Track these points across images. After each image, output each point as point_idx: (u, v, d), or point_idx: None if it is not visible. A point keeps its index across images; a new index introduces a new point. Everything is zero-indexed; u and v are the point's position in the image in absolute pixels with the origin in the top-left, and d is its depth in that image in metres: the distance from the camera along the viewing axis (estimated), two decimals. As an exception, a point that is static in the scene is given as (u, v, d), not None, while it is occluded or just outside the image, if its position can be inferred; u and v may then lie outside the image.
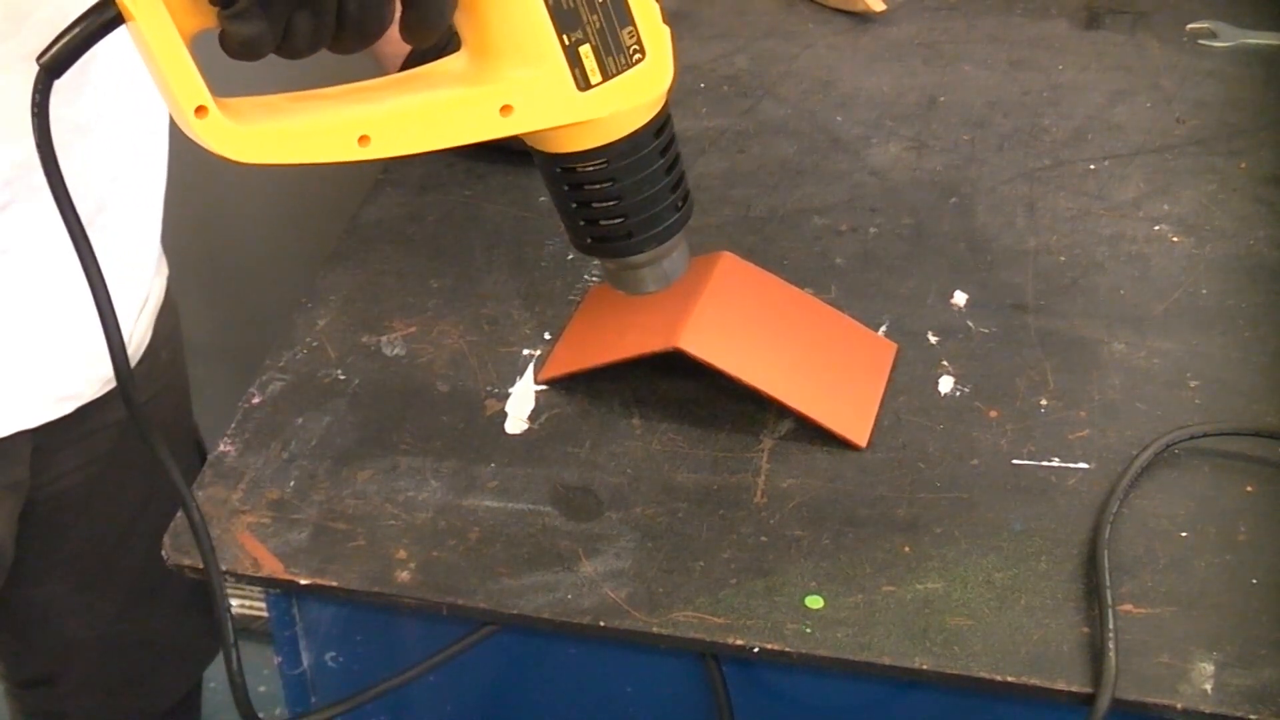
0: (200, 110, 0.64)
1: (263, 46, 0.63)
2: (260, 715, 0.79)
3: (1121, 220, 1.05)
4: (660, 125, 0.74)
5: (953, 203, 1.07)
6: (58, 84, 0.65)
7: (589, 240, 0.78)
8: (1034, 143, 1.13)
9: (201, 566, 0.82)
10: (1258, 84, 1.19)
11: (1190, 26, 1.26)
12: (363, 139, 0.68)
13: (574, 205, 0.76)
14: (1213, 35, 1.24)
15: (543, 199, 1.09)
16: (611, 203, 0.75)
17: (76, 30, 0.64)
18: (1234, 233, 1.03)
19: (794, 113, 1.18)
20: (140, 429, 0.74)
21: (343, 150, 0.68)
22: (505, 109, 0.70)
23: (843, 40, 1.27)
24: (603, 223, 0.76)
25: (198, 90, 0.64)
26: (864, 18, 1.30)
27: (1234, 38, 1.24)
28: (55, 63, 0.65)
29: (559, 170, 0.75)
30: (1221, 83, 1.19)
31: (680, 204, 0.78)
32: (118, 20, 0.64)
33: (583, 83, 0.70)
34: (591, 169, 0.74)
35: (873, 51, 1.25)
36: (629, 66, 0.70)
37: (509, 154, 1.12)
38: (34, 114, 0.65)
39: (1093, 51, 1.24)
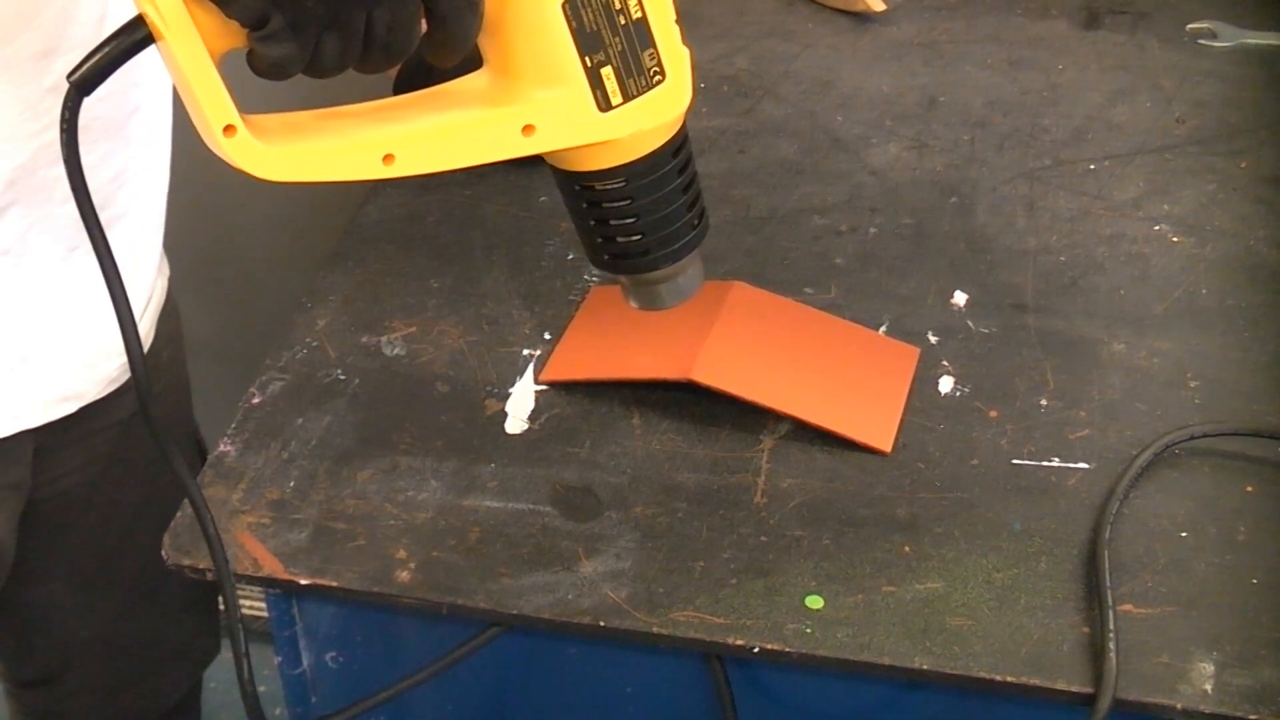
0: (229, 129, 0.65)
1: (291, 67, 0.63)
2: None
3: (1121, 220, 1.05)
4: (678, 145, 0.75)
5: (953, 203, 1.07)
6: (58, 84, 0.65)
7: (606, 257, 0.78)
8: (1034, 143, 1.13)
9: (203, 567, 0.82)
10: (1258, 84, 1.19)
11: (1190, 26, 1.26)
12: (387, 158, 0.68)
13: (592, 223, 0.77)
14: (1213, 35, 1.24)
15: (543, 199, 1.09)
16: (629, 220, 0.76)
17: (107, 49, 0.65)
18: (1234, 233, 1.03)
19: (794, 113, 1.18)
20: (155, 436, 0.75)
21: (368, 169, 0.69)
22: (527, 129, 0.70)
23: (843, 40, 1.27)
24: (620, 240, 0.77)
25: (227, 110, 0.64)
26: (864, 18, 1.30)
27: (1234, 38, 1.24)
28: (85, 80, 0.65)
29: (578, 188, 0.75)
30: (1221, 83, 1.19)
31: (696, 222, 0.78)
32: (148, 40, 0.64)
33: (604, 104, 0.70)
34: (610, 188, 0.74)
35: (873, 51, 1.25)
36: (649, 88, 0.70)
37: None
38: (63, 130, 0.66)
39: (1093, 51, 1.24)
